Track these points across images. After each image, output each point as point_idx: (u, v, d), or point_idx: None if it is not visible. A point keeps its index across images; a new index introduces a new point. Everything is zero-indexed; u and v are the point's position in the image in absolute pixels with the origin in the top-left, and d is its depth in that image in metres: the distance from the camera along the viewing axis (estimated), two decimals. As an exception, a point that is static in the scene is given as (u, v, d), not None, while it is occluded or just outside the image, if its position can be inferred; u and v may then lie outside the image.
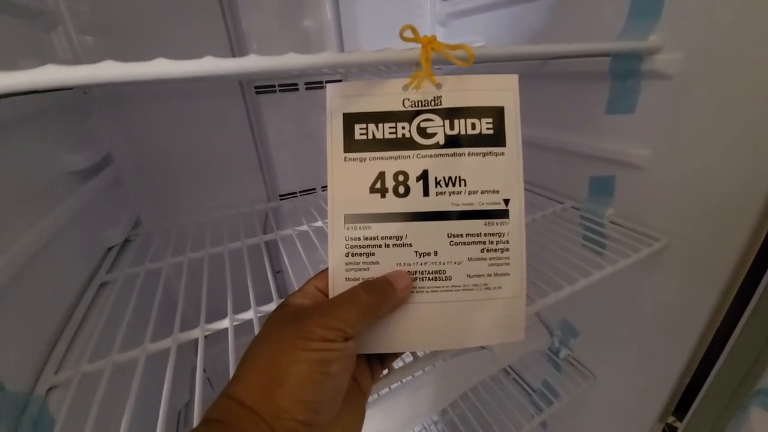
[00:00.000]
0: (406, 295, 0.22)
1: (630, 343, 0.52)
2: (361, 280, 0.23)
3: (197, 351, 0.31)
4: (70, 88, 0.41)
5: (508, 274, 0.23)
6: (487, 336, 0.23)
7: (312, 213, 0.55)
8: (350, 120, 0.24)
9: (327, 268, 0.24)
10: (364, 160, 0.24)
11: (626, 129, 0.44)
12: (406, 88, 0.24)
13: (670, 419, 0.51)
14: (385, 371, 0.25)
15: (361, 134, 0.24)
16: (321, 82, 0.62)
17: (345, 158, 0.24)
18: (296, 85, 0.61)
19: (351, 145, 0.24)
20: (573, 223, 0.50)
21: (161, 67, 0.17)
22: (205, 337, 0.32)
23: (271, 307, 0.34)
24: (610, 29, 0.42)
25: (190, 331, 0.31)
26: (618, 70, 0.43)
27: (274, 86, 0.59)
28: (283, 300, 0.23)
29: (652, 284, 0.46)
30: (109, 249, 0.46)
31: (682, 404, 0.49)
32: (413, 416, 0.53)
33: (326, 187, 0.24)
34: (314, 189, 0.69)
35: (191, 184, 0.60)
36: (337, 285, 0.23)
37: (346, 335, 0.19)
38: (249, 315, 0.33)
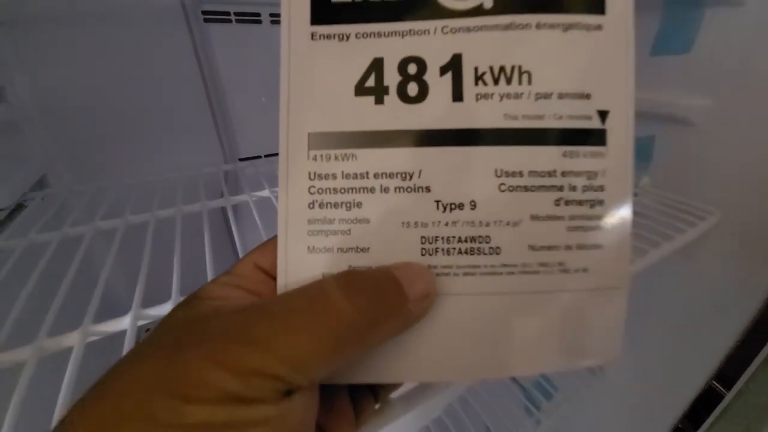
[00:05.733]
0: (425, 310, 0.12)
1: (650, 335, 0.45)
2: (336, 252, 0.12)
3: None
4: None
5: (601, 247, 0.13)
6: (561, 355, 0.13)
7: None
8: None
9: (276, 236, 0.13)
10: (347, 38, 0.13)
11: (678, 73, 0.35)
12: None
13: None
14: (377, 405, 0.15)
15: (341, -8, 0.13)
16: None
17: (313, 35, 0.13)
18: (259, 15, 0.48)
19: (324, 11, 0.13)
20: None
21: None
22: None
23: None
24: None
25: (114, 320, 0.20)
26: (676, -7, 0.33)
27: (228, 14, 0.46)
28: (198, 290, 0.13)
29: (686, 265, 0.39)
30: (-16, 216, 0.33)
31: (703, 408, 0.43)
32: None
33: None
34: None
35: (119, 138, 0.46)
36: (293, 263, 0.13)
37: (288, 386, 0.09)
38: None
